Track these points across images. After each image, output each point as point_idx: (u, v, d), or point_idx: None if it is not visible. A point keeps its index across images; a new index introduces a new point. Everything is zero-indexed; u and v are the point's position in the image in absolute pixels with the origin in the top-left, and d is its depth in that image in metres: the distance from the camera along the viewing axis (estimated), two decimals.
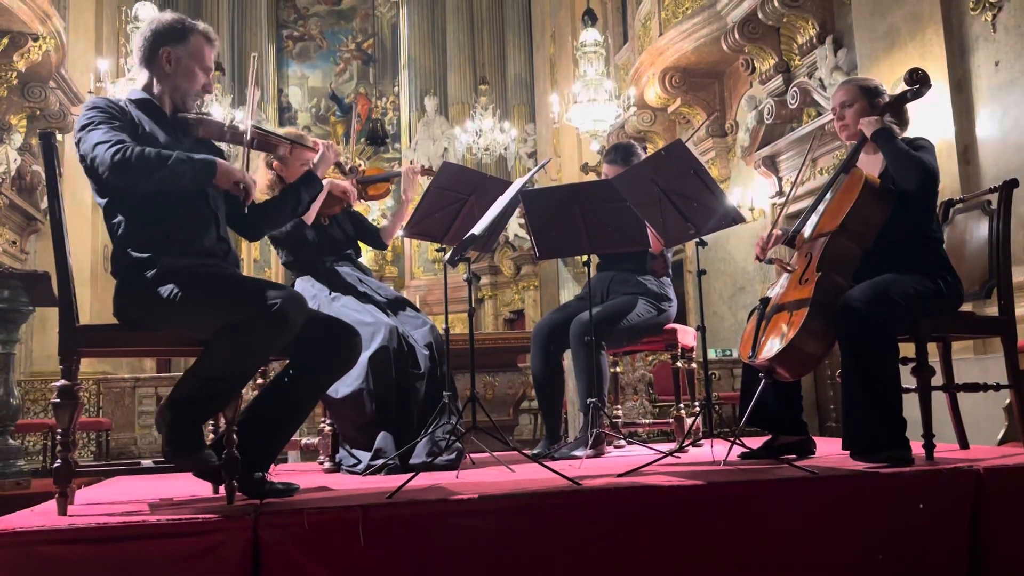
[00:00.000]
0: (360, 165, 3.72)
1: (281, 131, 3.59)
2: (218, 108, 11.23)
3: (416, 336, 3.39)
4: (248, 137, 2.54)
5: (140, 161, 2.25)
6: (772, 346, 2.80)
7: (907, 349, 2.91)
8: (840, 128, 3.07)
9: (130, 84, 9.23)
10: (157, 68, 2.52)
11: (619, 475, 2.54)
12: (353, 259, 3.70)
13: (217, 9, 15.43)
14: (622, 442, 3.99)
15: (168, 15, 2.58)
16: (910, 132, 3.05)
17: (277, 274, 14.53)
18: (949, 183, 5.37)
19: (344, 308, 3.37)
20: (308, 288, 3.53)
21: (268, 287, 2.37)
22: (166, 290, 2.30)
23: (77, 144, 2.36)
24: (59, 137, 9.94)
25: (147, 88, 2.54)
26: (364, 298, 3.51)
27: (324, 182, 3.47)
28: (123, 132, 2.34)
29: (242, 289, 2.34)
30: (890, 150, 2.84)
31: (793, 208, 7.10)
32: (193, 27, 2.55)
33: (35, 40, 8.75)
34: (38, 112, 9.82)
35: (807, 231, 2.98)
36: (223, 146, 2.72)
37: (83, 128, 2.35)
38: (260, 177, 3.49)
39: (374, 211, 12.76)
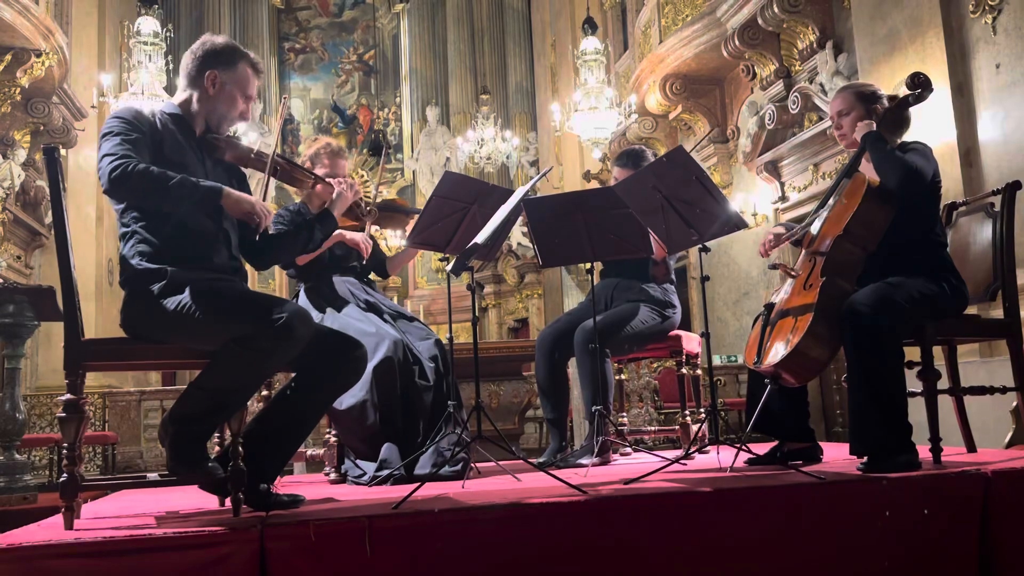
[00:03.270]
0: (376, 195, 3.63)
1: (320, 142, 3.65)
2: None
3: (421, 348, 3.40)
4: (270, 167, 2.55)
5: (138, 179, 2.26)
6: (777, 352, 2.79)
7: (912, 353, 2.91)
8: (839, 137, 3.08)
9: (132, 98, 9.28)
10: (201, 88, 2.53)
11: (625, 483, 2.54)
12: (358, 272, 3.70)
13: (219, 22, 15.50)
14: (628, 450, 3.98)
15: (220, 38, 2.60)
16: (911, 135, 3.05)
17: (281, 287, 14.58)
18: (952, 186, 5.37)
19: (347, 318, 3.38)
20: (313, 298, 3.54)
21: (274, 302, 2.37)
22: (173, 302, 2.30)
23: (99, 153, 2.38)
24: (63, 152, 10.02)
25: (184, 104, 2.55)
26: (368, 307, 3.51)
27: (337, 232, 3.51)
28: (139, 146, 2.35)
29: (249, 303, 2.35)
30: (875, 151, 2.84)
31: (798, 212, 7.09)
32: (244, 55, 2.58)
33: (38, 56, 8.80)
34: (42, 127, 9.87)
35: (811, 235, 2.97)
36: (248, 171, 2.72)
37: (103, 136, 2.37)
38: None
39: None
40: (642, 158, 3.81)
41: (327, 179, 2.90)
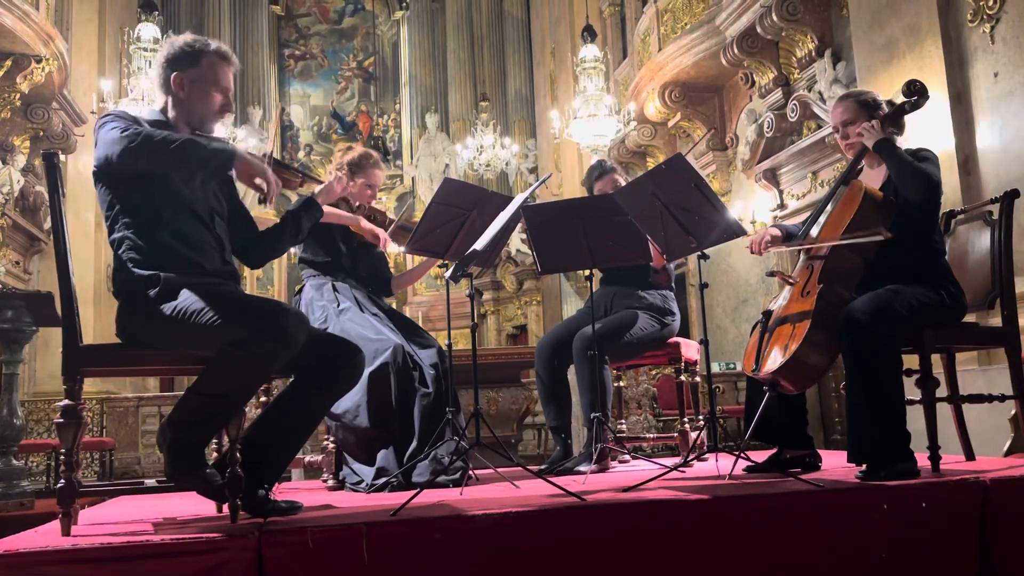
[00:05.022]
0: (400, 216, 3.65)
1: (358, 150, 3.70)
2: (220, 127, 11.28)
3: (422, 355, 3.40)
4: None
5: (149, 140, 2.25)
6: (775, 359, 2.79)
7: (911, 361, 2.90)
8: (845, 148, 3.06)
9: (133, 104, 9.30)
10: (171, 93, 2.52)
11: (624, 490, 2.54)
12: (363, 279, 3.70)
13: (219, 28, 15.50)
14: (626, 457, 3.97)
15: (180, 38, 2.55)
16: (907, 140, 3.05)
17: (280, 291, 14.57)
18: (950, 194, 5.37)
19: (351, 323, 3.38)
20: (316, 298, 3.54)
21: (271, 305, 2.37)
22: (169, 307, 2.30)
23: (96, 150, 2.36)
24: (62, 158, 10.03)
25: (164, 111, 2.54)
26: (372, 314, 3.51)
27: (355, 217, 3.58)
28: None
29: (244, 306, 2.34)
30: (894, 161, 2.83)
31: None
32: (204, 49, 2.52)
33: (38, 62, 8.81)
34: (41, 133, 9.88)
35: (811, 239, 2.97)
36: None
37: (105, 126, 2.35)
38: None
39: None
40: (605, 165, 4.02)
41: (314, 176, 2.91)
